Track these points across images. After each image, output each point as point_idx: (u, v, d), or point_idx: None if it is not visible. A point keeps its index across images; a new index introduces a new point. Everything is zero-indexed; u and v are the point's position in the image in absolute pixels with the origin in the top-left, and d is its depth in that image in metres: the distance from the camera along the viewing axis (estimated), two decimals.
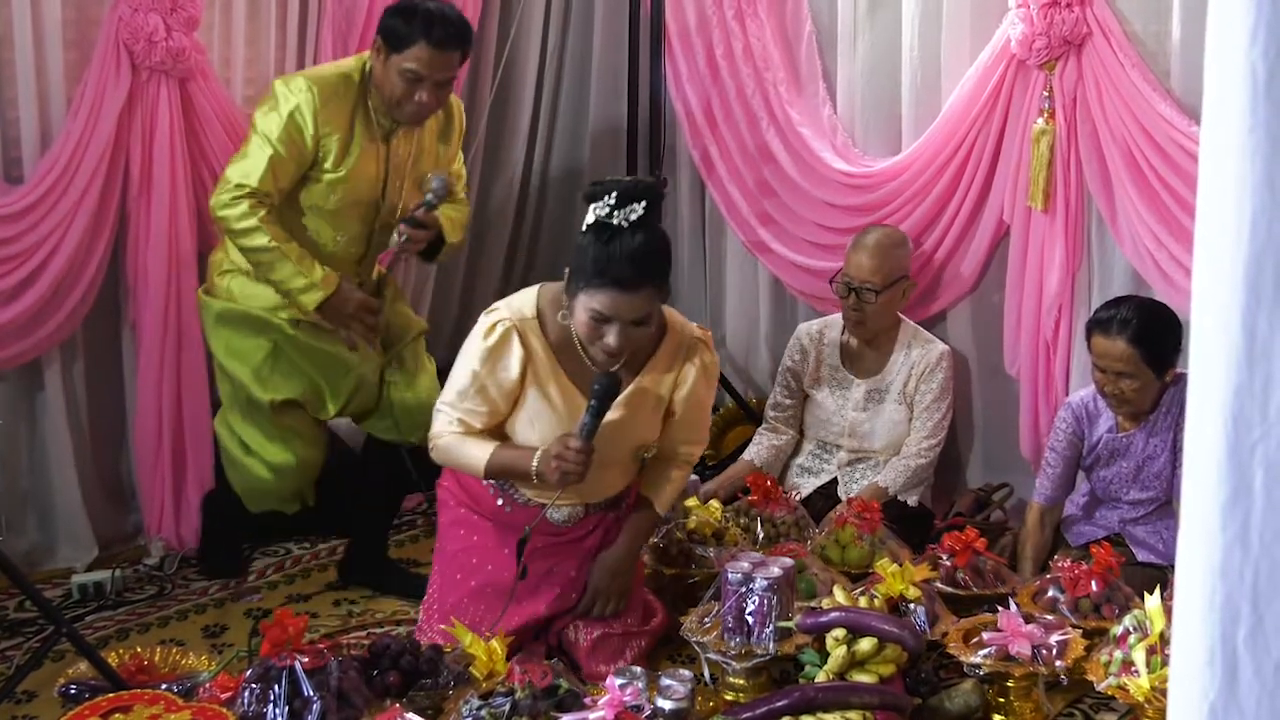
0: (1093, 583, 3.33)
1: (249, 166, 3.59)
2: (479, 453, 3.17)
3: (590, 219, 3.01)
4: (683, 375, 3.28)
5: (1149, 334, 3.57)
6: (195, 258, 4.11)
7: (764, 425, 4.48)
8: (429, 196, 3.74)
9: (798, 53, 4.73)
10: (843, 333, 4.35)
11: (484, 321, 3.19)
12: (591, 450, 3.03)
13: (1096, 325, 3.66)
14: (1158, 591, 2.98)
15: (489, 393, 3.17)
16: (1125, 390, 3.61)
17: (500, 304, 3.25)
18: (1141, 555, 3.72)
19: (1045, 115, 3.97)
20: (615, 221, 2.96)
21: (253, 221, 3.57)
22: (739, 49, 4.78)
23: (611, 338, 3.01)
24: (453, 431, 3.21)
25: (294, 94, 3.62)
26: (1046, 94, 3.97)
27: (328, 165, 3.67)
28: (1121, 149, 3.82)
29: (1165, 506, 3.74)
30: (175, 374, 4.12)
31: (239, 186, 3.57)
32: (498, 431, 3.24)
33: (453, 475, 3.42)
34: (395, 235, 3.74)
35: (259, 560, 4.22)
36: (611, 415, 3.13)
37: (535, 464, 3.08)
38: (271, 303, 3.73)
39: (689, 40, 4.94)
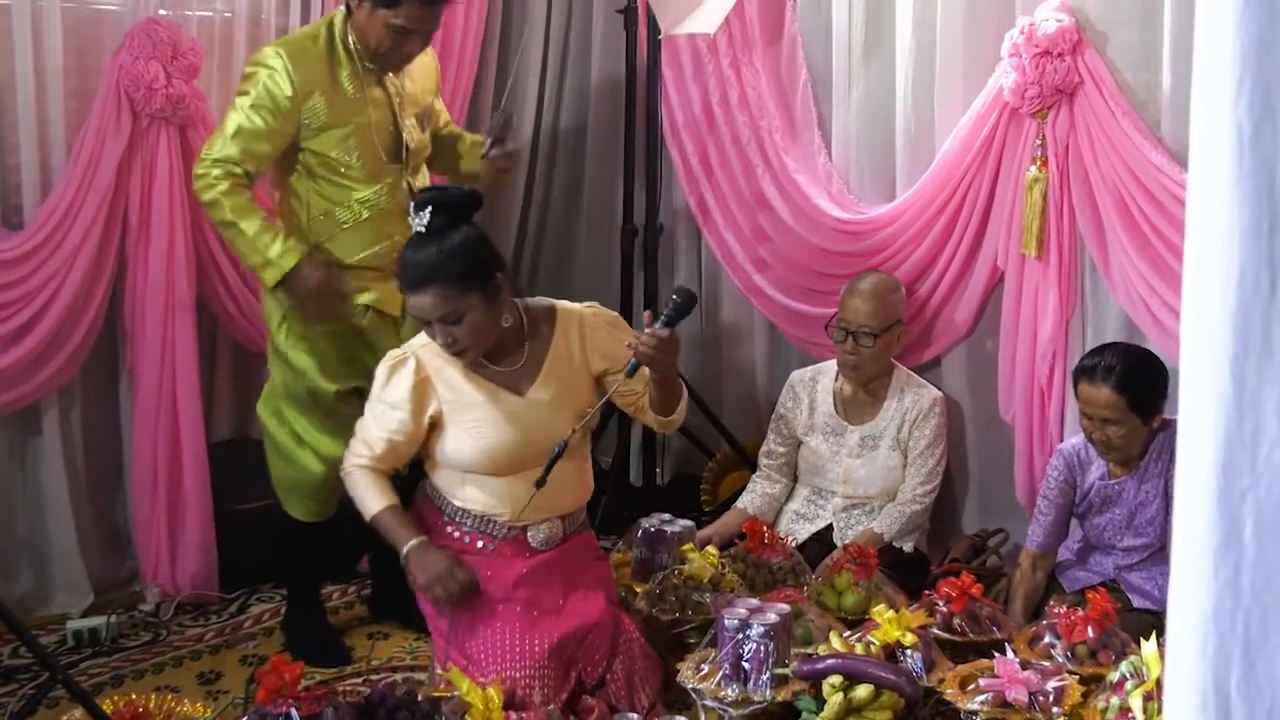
0: (1089, 629, 3.33)
1: (214, 138, 3.62)
2: (372, 503, 3.28)
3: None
4: (600, 342, 3.39)
5: (1134, 381, 3.58)
6: (193, 303, 4.14)
7: (758, 473, 4.48)
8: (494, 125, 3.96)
9: (793, 101, 4.76)
10: (836, 379, 4.37)
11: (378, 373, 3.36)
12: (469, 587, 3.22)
13: (1082, 373, 3.68)
14: (1154, 637, 2.98)
15: (386, 416, 3.27)
16: (1112, 437, 3.62)
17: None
18: (1137, 601, 3.72)
19: (1038, 163, 4.00)
20: (415, 228, 3.18)
21: (212, 194, 3.55)
22: (735, 97, 4.81)
23: (438, 337, 3.20)
24: (358, 464, 3.31)
25: (264, 62, 3.62)
26: (1039, 142, 3.99)
27: (324, 120, 3.64)
28: (1114, 196, 3.84)
29: (1160, 553, 3.74)
30: (172, 420, 4.13)
31: (202, 161, 3.58)
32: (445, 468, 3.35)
33: (420, 525, 3.40)
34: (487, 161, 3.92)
35: (255, 606, 4.22)
36: (535, 398, 3.30)
37: (407, 554, 3.22)
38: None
39: (685, 88, 4.97)
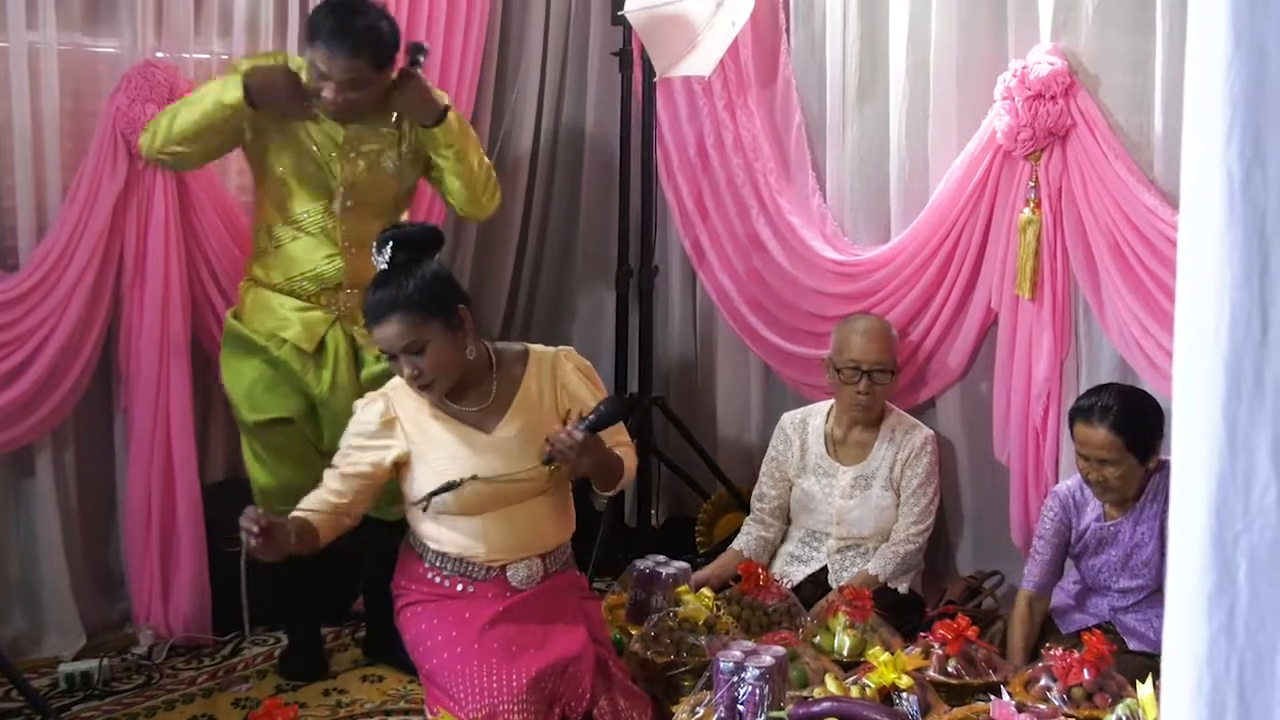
0: (1085, 671, 3.31)
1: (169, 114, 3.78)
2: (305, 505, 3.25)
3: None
4: (562, 380, 3.40)
5: (1131, 421, 3.58)
6: (188, 345, 4.14)
7: (750, 516, 4.47)
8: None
9: (787, 143, 4.78)
10: (827, 420, 4.37)
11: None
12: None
13: (1078, 413, 3.68)
14: (1150, 680, 2.97)
15: (349, 454, 3.29)
16: (1109, 477, 3.62)
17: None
18: (1133, 644, 3.71)
19: (1031, 205, 4.02)
20: (379, 267, 3.23)
21: (149, 135, 3.76)
22: (729, 139, 4.83)
23: (402, 370, 3.21)
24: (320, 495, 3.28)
25: (231, 70, 3.82)
26: (1032, 184, 4.01)
27: (273, 133, 3.78)
28: (1107, 238, 3.86)
29: (1156, 594, 3.73)
30: (166, 462, 4.12)
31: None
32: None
33: (403, 573, 3.44)
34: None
35: (248, 650, 4.20)
36: (503, 434, 3.30)
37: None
38: (268, 323, 3.83)
39: (680, 130, 5.00)
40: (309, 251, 3.83)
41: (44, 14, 3.82)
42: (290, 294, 3.85)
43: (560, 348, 3.50)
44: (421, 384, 3.22)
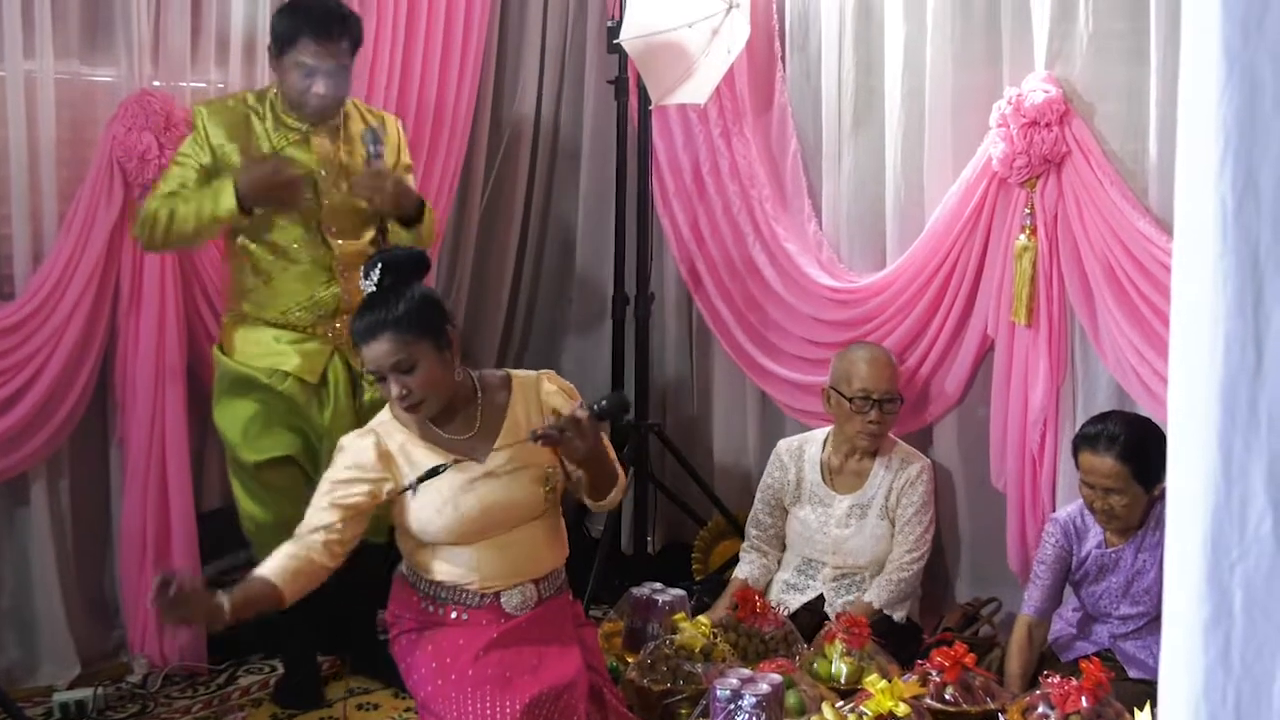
0: (1083, 698, 3.30)
1: (149, 196, 3.78)
2: (268, 562, 3.11)
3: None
4: (547, 402, 3.34)
5: (1138, 450, 3.56)
6: (183, 373, 4.14)
7: (748, 543, 4.45)
8: (369, 151, 3.87)
9: (783, 170, 4.79)
10: (823, 448, 4.36)
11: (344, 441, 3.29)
12: None
13: (1084, 441, 3.67)
14: (1148, 708, 2.96)
15: (337, 490, 3.16)
16: (1115, 506, 3.61)
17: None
18: (1132, 671, 3.69)
19: (1027, 231, 4.02)
20: (366, 291, 3.18)
21: (146, 211, 3.73)
22: (725, 166, 4.84)
23: (391, 389, 3.14)
24: (300, 539, 3.14)
25: (194, 119, 3.83)
26: (1028, 211, 4.02)
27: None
28: (1102, 264, 3.86)
29: (1156, 621, 3.72)
30: (161, 489, 4.12)
31: (138, 214, 3.78)
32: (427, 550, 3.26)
33: (396, 602, 3.38)
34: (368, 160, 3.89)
35: (243, 678, 4.19)
36: (495, 462, 3.22)
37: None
38: (265, 358, 3.83)
39: (676, 157, 5.01)
40: (302, 281, 3.84)
41: (41, 43, 3.84)
42: (285, 326, 3.86)
43: (542, 371, 3.46)
44: (410, 403, 3.16)
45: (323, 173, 3.85)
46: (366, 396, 3.91)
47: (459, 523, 3.17)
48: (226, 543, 4.29)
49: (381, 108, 4.36)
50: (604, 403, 3.22)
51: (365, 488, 3.16)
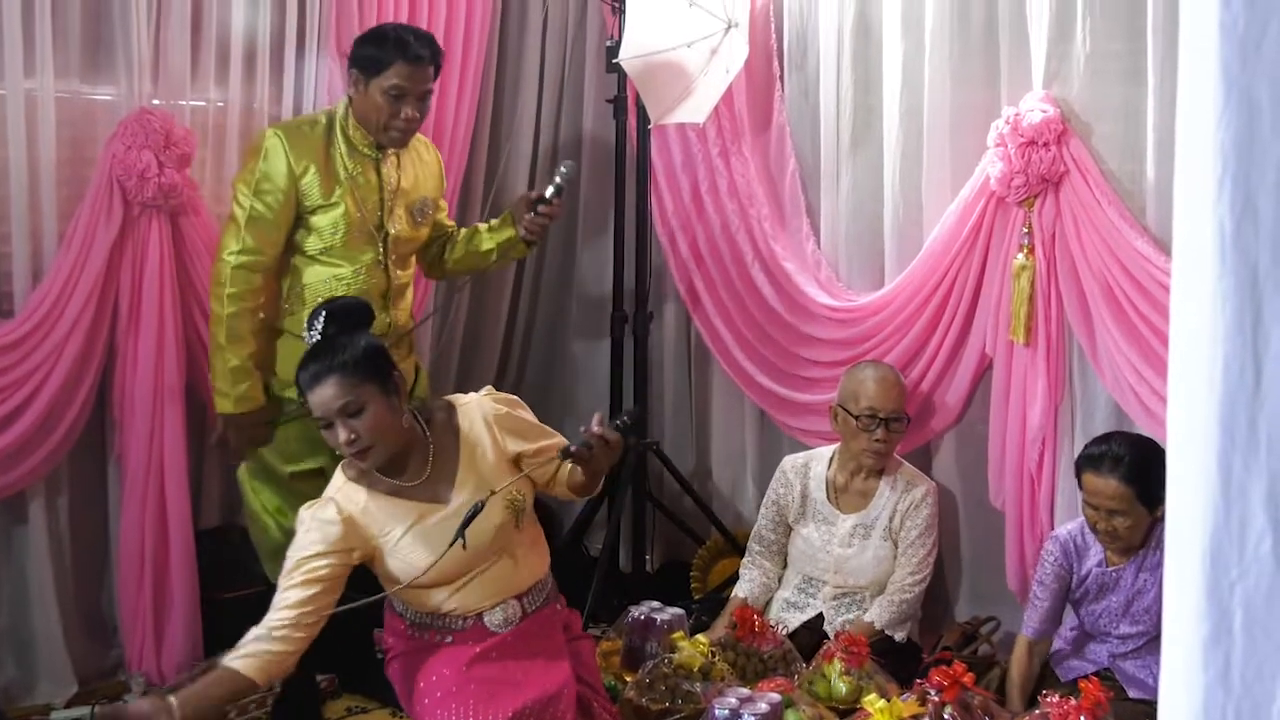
0: (1082, 718, 3.30)
1: (229, 233, 3.82)
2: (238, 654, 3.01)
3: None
4: (503, 429, 3.30)
5: (1142, 472, 3.55)
6: (182, 392, 4.14)
7: (748, 559, 4.43)
8: (558, 179, 4.05)
9: (781, 189, 4.80)
10: (829, 467, 4.36)
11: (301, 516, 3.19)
12: None
13: (1088, 462, 3.66)
14: None
15: (311, 552, 3.08)
16: (1118, 527, 3.60)
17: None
18: (1132, 691, 3.69)
19: (1025, 251, 4.03)
20: (310, 341, 3.17)
21: (220, 306, 3.80)
22: (724, 185, 4.85)
23: (339, 435, 3.09)
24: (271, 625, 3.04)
25: (263, 142, 3.83)
26: (1026, 230, 4.03)
27: (317, 198, 3.82)
28: (1100, 284, 3.87)
29: (1155, 641, 3.71)
30: (159, 507, 4.11)
31: (222, 261, 3.80)
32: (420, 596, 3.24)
33: (387, 629, 3.39)
34: (529, 215, 4.08)
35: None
36: (460, 500, 3.18)
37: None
38: (291, 363, 3.81)
39: (674, 176, 5.02)
40: (336, 273, 3.89)
41: (41, 62, 3.84)
42: None
43: (482, 392, 3.41)
44: (359, 448, 3.10)
45: (392, 200, 3.95)
46: None
47: (437, 568, 3.12)
48: (224, 561, 4.29)
49: None
50: (626, 419, 3.27)
51: (333, 559, 3.09)
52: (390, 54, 3.82)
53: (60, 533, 4.12)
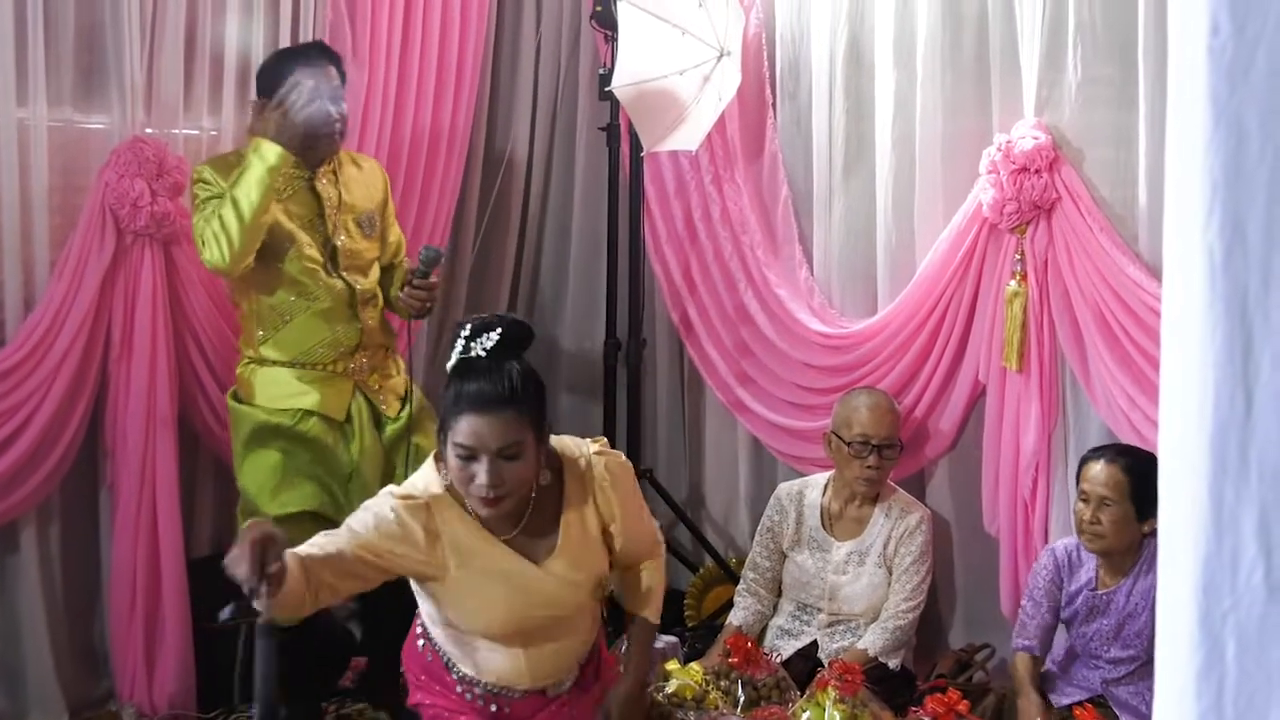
0: None
1: (200, 247, 3.73)
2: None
3: (451, 362, 2.84)
4: (604, 501, 3.03)
5: (1139, 470, 3.57)
6: (174, 420, 4.13)
7: (743, 586, 4.43)
8: (420, 265, 3.96)
9: (774, 216, 4.81)
10: (823, 494, 4.35)
11: (386, 501, 2.86)
12: None
13: (1091, 454, 3.71)
14: None
15: (383, 543, 2.78)
16: (1104, 521, 3.61)
17: (405, 486, 2.93)
18: (1125, 718, 3.68)
19: (1018, 277, 4.03)
20: (473, 353, 2.80)
21: (203, 228, 3.69)
22: (717, 213, 4.86)
23: (481, 474, 2.75)
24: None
25: (198, 177, 3.79)
26: (1018, 256, 4.03)
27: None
28: (1093, 310, 3.87)
29: (1148, 666, 3.70)
30: (152, 537, 4.10)
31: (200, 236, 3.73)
32: (459, 635, 2.99)
33: (424, 669, 3.10)
34: (401, 299, 4.00)
35: None
36: (555, 571, 2.93)
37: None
38: (288, 398, 3.84)
39: (667, 204, 5.03)
40: (324, 319, 3.88)
41: (34, 90, 3.85)
42: (306, 366, 3.88)
43: (593, 445, 3.08)
44: (496, 495, 2.77)
45: (334, 214, 3.92)
46: (388, 429, 3.98)
47: (507, 625, 2.91)
48: (216, 591, 4.27)
49: (373, 155, 4.40)
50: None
51: (398, 561, 2.81)
52: (289, 64, 3.80)
53: (51, 561, 4.10)
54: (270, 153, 3.68)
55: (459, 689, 3.01)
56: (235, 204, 3.66)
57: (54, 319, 3.90)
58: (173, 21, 4.11)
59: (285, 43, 4.37)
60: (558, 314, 5.50)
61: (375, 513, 2.81)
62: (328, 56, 3.89)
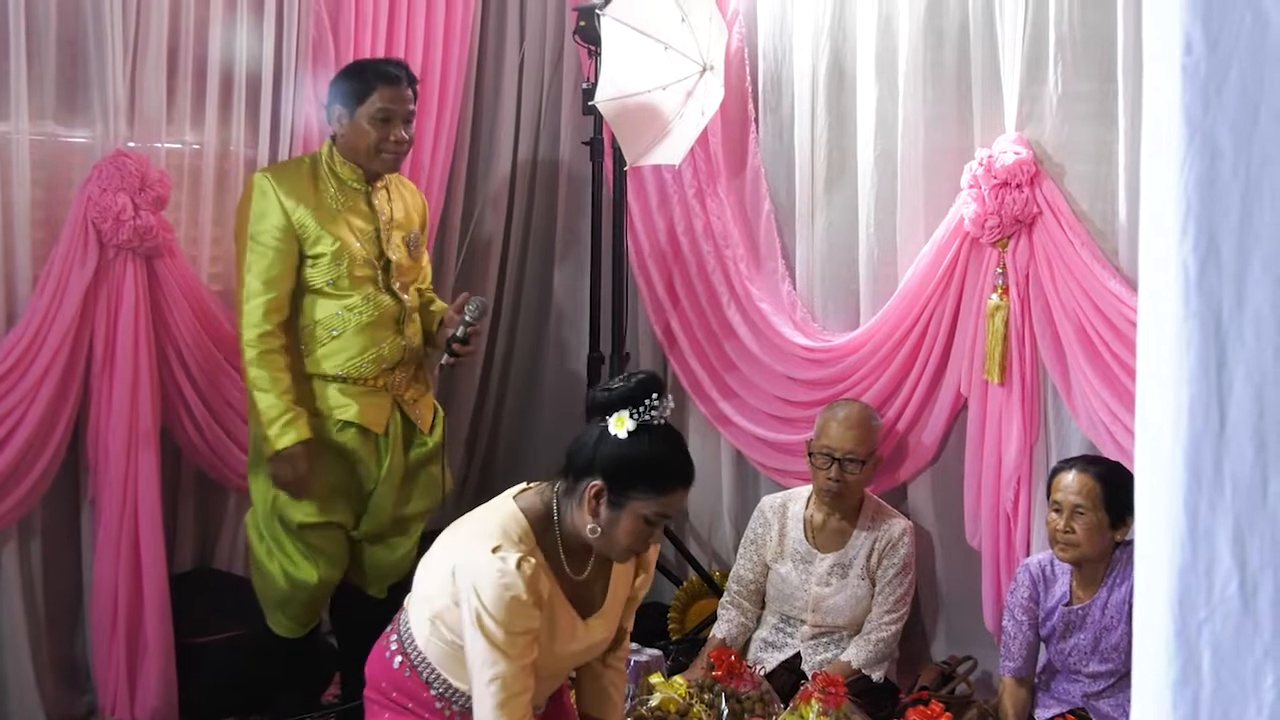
0: None
1: (246, 286, 3.79)
2: None
3: (630, 425, 2.80)
4: (644, 561, 3.09)
5: (1111, 478, 3.60)
6: (157, 435, 4.11)
7: (726, 599, 4.43)
8: (466, 318, 3.99)
9: (757, 230, 4.82)
10: (807, 506, 4.35)
11: (506, 567, 2.71)
12: None
13: (1062, 464, 3.73)
14: None
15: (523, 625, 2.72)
16: (1077, 529, 3.62)
17: (503, 541, 2.78)
18: None
19: (999, 291, 4.05)
20: (655, 420, 2.82)
21: (250, 353, 3.76)
22: (699, 226, 4.87)
23: (650, 540, 2.88)
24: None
25: (253, 186, 3.84)
26: (1000, 270, 4.05)
27: (313, 234, 3.82)
28: (1074, 324, 3.89)
29: (1127, 679, 3.67)
30: (134, 552, 4.08)
31: (246, 316, 3.77)
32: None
33: (395, 685, 2.99)
34: (442, 360, 4.03)
35: None
36: (594, 629, 2.95)
37: None
38: (329, 413, 3.88)
39: (651, 218, 5.04)
40: (369, 334, 3.91)
41: (16, 104, 3.84)
42: (347, 380, 3.90)
43: None
44: (634, 552, 2.90)
45: (388, 229, 3.98)
46: (414, 453, 4.06)
47: (537, 665, 2.81)
48: (198, 606, 4.27)
49: None
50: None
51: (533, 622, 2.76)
52: (370, 80, 3.88)
53: (33, 577, 4.08)
54: (277, 444, 3.75)
55: (438, 705, 2.92)
56: (253, 386, 3.78)
57: (36, 333, 3.88)
58: (155, 35, 4.10)
59: (268, 57, 4.38)
60: (541, 328, 5.50)
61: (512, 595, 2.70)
62: (405, 75, 3.96)
